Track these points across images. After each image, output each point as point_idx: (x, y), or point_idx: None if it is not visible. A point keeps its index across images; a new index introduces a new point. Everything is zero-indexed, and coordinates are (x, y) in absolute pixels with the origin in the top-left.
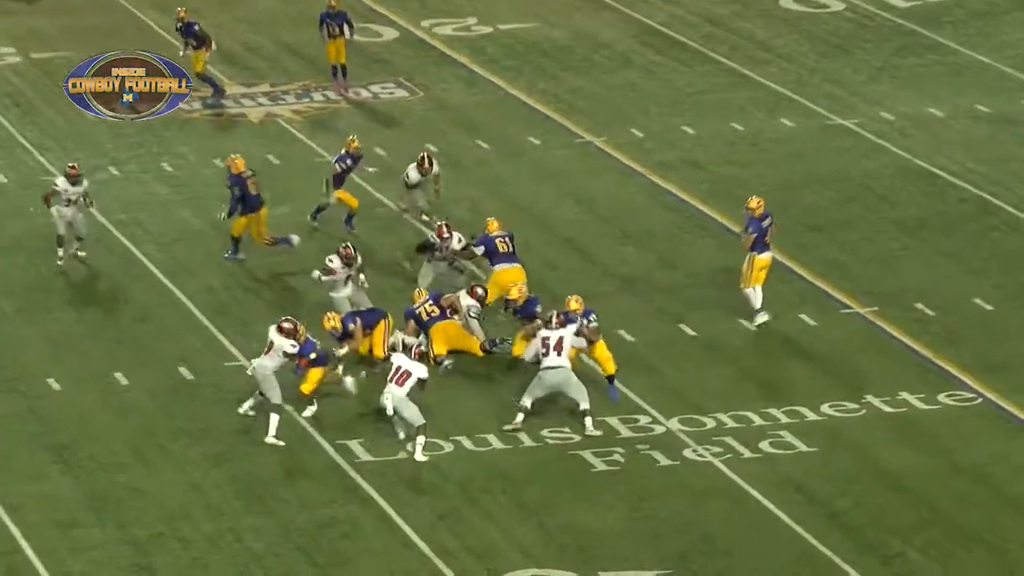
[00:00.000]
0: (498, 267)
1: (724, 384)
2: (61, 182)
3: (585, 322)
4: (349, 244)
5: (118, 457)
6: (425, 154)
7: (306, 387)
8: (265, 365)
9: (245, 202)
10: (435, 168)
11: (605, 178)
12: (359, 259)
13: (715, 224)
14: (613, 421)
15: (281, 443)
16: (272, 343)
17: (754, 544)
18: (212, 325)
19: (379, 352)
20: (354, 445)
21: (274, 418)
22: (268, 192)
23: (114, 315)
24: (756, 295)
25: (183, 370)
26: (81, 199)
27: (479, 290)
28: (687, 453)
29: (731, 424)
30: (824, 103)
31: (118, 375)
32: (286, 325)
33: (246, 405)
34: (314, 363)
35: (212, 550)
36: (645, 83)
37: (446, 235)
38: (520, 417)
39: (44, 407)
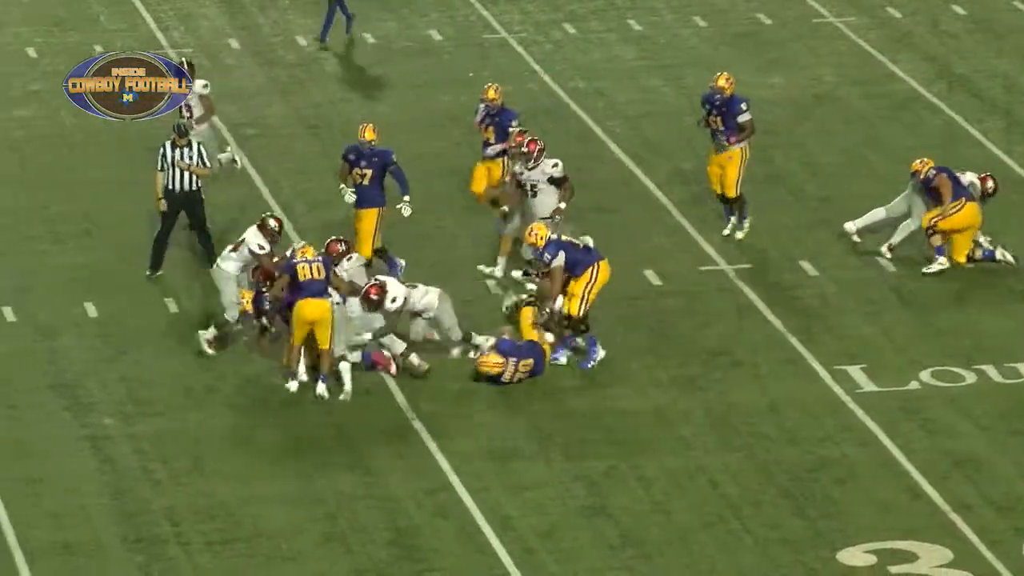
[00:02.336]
0: None
1: None
2: None
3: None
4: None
5: (566, 378)
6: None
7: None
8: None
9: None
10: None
11: None
12: None
13: None
14: None
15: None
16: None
17: None
18: (685, 219)
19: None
20: (854, 371)
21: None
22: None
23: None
24: None
25: (648, 274)
26: None
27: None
28: None
29: None
30: None
31: None
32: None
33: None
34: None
35: (677, 492)
36: None
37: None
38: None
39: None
